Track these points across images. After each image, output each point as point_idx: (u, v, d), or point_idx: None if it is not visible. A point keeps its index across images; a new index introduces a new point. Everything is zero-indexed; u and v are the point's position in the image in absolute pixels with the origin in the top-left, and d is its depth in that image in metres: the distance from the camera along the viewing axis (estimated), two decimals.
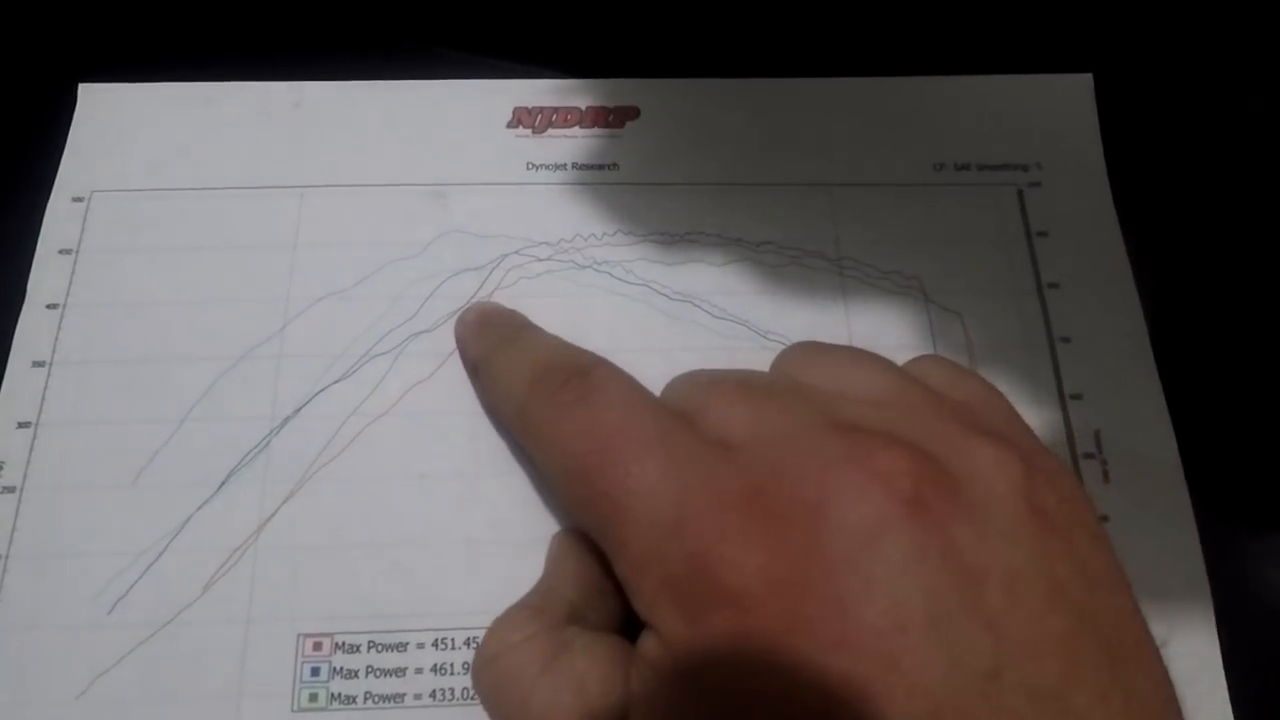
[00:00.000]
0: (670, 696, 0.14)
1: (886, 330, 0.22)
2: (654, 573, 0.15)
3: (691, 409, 0.17)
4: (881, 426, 0.15)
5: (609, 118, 0.25)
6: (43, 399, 0.21)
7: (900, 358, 0.19)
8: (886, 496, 0.14)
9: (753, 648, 0.14)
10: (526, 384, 0.18)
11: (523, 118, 0.25)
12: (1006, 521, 0.14)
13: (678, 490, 0.15)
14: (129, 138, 0.24)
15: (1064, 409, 0.22)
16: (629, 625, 0.17)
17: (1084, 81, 0.26)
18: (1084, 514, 0.15)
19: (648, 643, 0.15)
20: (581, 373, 0.18)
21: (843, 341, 0.22)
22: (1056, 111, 0.25)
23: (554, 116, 0.25)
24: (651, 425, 0.16)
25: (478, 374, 0.21)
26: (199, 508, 0.20)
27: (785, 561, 0.14)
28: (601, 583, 0.17)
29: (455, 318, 0.22)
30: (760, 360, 0.22)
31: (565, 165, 0.24)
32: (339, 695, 0.19)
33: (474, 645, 0.19)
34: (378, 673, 0.19)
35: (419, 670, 0.19)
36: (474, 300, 0.22)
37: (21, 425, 0.21)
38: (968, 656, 0.13)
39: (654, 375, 0.18)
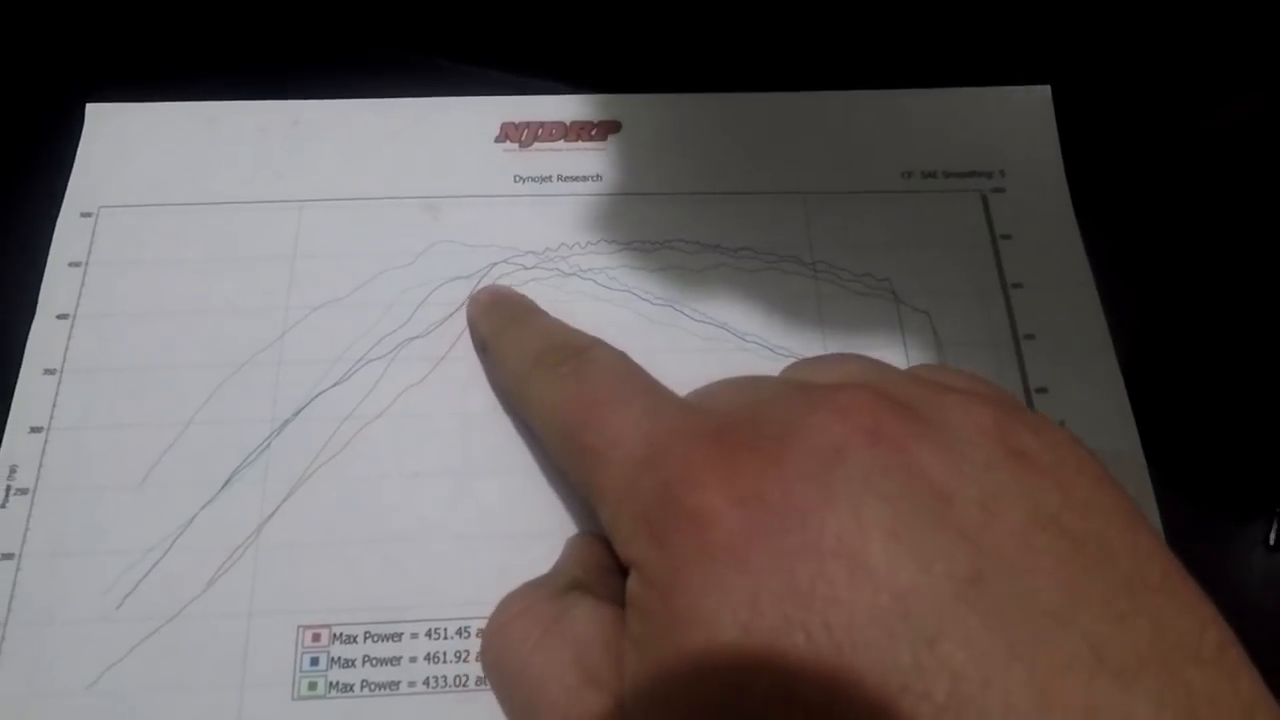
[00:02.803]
0: (648, 631, 0.14)
1: (859, 330, 0.23)
2: (629, 509, 0.15)
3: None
4: (848, 382, 0.16)
5: (592, 132, 0.26)
6: (54, 405, 0.21)
7: (873, 357, 0.19)
8: (846, 426, 0.14)
9: (715, 562, 0.13)
10: (529, 361, 0.19)
11: (510, 133, 0.25)
12: (981, 455, 0.14)
13: (653, 431, 0.16)
14: (135, 155, 0.24)
15: (1029, 403, 0.23)
16: None
17: (1043, 93, 0.26)
18: (1080, 458, 0.14)
19: (630, 584, 0.15)
20: (579, 350, 0.18)
21: (817, 341, 0.23)
22: (1017, 122, 0.26)
23: (539, 131, 0.25)
24: (636, 385, 0.17)
25: (485, 351, 0.22)
26: (203, 507, 0.20)
27: (745, 480, 0.14)
28: (607, 560, 0.18)
29: (448, 317, 0.23)
30: (739, 360, 0.23)
31: (550, 177, 0.25)
32: (337, 684, 0.19)
33: (465, 635, 0.19)
34: (374, 662, 0.19)
35: (413, 659, 0.19)
36: (466, 299, 0.23)
37: (34, 430, 0.21)
38: (941, 562, 0.12)
39: None
